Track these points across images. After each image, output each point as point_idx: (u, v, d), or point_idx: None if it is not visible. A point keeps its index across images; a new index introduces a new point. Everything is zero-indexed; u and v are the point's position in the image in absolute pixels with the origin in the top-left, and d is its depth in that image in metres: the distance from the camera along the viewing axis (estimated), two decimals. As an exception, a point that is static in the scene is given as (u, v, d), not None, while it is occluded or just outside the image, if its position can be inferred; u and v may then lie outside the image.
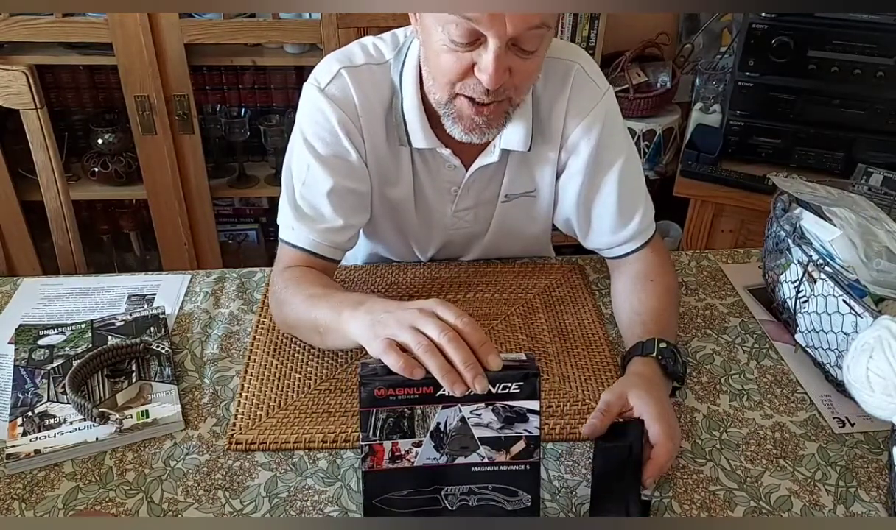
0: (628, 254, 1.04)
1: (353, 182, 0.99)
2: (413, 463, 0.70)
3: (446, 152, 0.99)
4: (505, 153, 1.01)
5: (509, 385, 0.69)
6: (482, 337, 0.69)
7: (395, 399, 0.68)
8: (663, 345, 0.87)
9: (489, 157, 1.01)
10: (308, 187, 0.97)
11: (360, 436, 0.69)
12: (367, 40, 1.01)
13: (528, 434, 0.71)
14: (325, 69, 0.98)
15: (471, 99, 0.87)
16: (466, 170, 1.03)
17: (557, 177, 1.05)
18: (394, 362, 0.67)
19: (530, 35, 0.82)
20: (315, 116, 0.97)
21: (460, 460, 0.71)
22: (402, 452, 0.70)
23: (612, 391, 0.80)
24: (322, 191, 0.97)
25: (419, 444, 0.70)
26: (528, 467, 0.72)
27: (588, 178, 1.02)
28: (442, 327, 0.69)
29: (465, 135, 0.92)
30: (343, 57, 0.99)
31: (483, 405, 0.69)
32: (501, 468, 0.71)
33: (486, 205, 1.08)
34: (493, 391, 0.69)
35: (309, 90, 0.98)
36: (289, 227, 0.99)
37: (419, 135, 0.98)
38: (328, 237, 0.98)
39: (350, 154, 0.97)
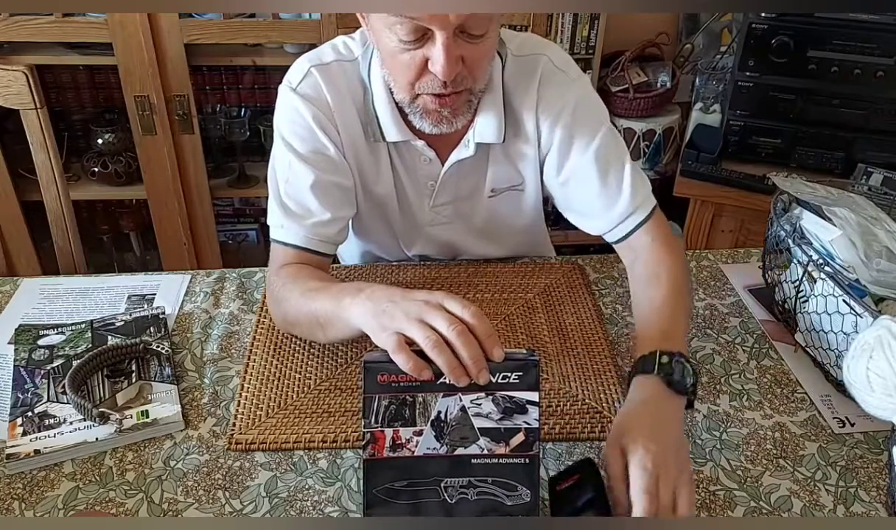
0: (632, 232, 1.01)
1: (335, 176, 1.00)
2: (414, 452, 0.71)
3: (420, 143, 1.00)
4: (482, 148, 1.02)
5: (509, 375, 0.70)
6: (488, 328, 0.69)
7: (398, 386, 0.70)
8: (665, 358, 0.80)
9: (464, 152, 1.02)
10: (292, 184, 0.98)
11: (363, 423, 0.70)
12: (338, 40, 1.02)
13: (527, 426, 0.71)
14: (296, 69, 1.00)
15: (432, 94, 0.89)
16: (443, 165, 1.03)
17: (541, 169, 1.06)
18: (404, 362, 0.68)
19: (476, 20, 0.83)
20: (290, 115, 0.98)
21: (460, 451, 0.71)
22: (404, 441, 0.71)
23: (608, 452, 0.73)
24: (305, 186, 0.97)
25: (420, 433, 0.70)
26: (527, 460, 0.72)
27: (564, 163, 1.02)
28: (450, 320, 0.69)
29: (435, 128, 0.94)
30: (313, 56, 1.00)
31: (483, 394, 0.70)
32: (501, 461, 0.71)
33: (465, 201, 1.09)
34: (494, 380, 0.69)
35: (283, 92, 1.00)
36: (278, 226, 0.99)
37: (392, 129, 0.98)
38: (318, 231, 0.98)
39: (328, 148, 0.98)
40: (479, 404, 0.70)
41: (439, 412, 0.70)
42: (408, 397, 0.70)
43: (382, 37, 0.87)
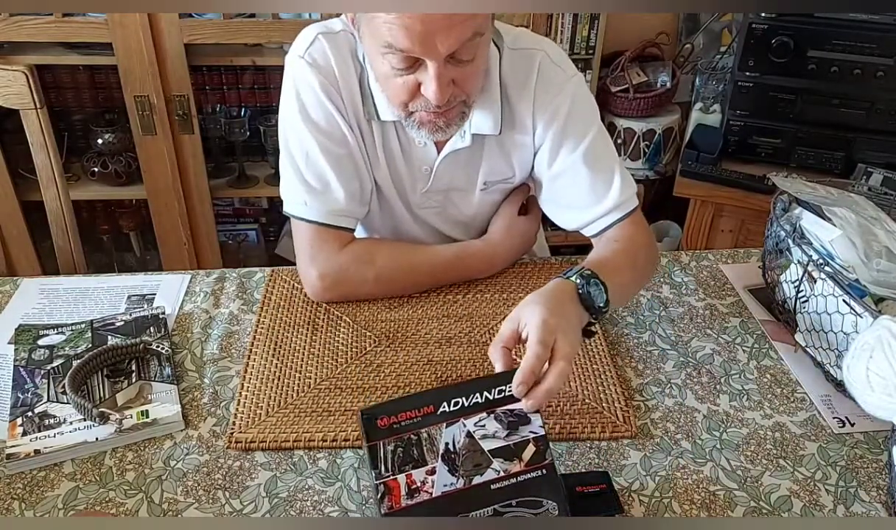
0: (610, 226, 1.04)
1: (346, 147, 1.00)
2: (431, 493, 0.69)
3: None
4: (477, 139, 1.03)
5: (504, 388, 0.73)
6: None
7: (400, 425, 0.70)
8: (587, 272, 0.86)
9: (459, 142, 1.02)
10: (311, 158, 0.99)
11: (373, 475, 0.69)
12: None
13: (534, 434, 0.72)
14: (303, 37, 1.00)
15: (426, 111, 0.91)
16: (438, 153, 1.04)
17: (533, 161, 1.07)
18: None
19: (465, 47, 0.84)
20: (298, 84, 0.98)
21: (477, 480, 0.70)
22: (419, 483, 0.69)
23: (506, 320, 0.81)
24: (322, 159, 0.98)
25: (433, 472, 0.69)
26: (544, 471, 0.71)
27: (556, 158, 1.03)
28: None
29: (431, 136, 0.96)
30: (321, 25, 1.01)
31: (485, 414, 0.71)
32: (519, 479, 0.70)
33: (457, 192, 1.10)
34: (491, 397, 0.72)
35: (290, 61, 1.00)
36: (301, 203, 1.00)
37: (386, 109, 0.99)
38: (340, 207, 1.00)
39: (336, 119, 0.99)
40: (483, 425, 0.71)
41: (447, 444, 0.70)
42: (412, 435, 0.70)
43: (376, 61, 0.88)
